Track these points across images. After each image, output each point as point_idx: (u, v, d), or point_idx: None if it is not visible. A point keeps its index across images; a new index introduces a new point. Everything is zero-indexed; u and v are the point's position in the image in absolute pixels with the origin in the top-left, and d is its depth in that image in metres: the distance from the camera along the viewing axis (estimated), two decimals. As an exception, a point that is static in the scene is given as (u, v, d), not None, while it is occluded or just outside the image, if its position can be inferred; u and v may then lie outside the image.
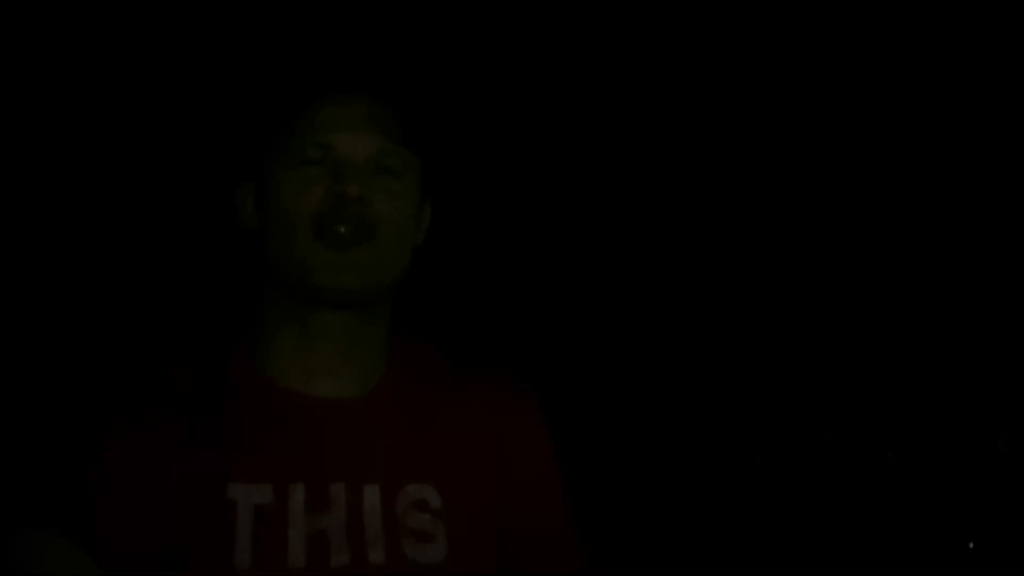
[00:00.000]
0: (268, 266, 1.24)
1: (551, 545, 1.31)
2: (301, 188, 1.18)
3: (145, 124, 2.24)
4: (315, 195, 1.17)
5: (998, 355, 2.94)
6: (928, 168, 2.94)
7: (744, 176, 3.03)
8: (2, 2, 2.19)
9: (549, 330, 2.93)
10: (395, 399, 1.26)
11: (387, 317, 1.29)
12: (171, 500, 1.12)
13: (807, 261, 3.08)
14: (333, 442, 1.19)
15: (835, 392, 3.08)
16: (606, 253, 3.00)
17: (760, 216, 3.05)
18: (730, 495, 2.96)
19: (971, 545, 2.75)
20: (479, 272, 2.79)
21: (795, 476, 3.00)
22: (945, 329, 3.01)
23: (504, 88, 2.68)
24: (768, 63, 2.89)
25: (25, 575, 1.06)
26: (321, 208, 1.17)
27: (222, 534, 1.11)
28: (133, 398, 1.19)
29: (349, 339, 1.23)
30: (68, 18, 2.20)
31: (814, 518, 2.94)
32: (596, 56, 2.76)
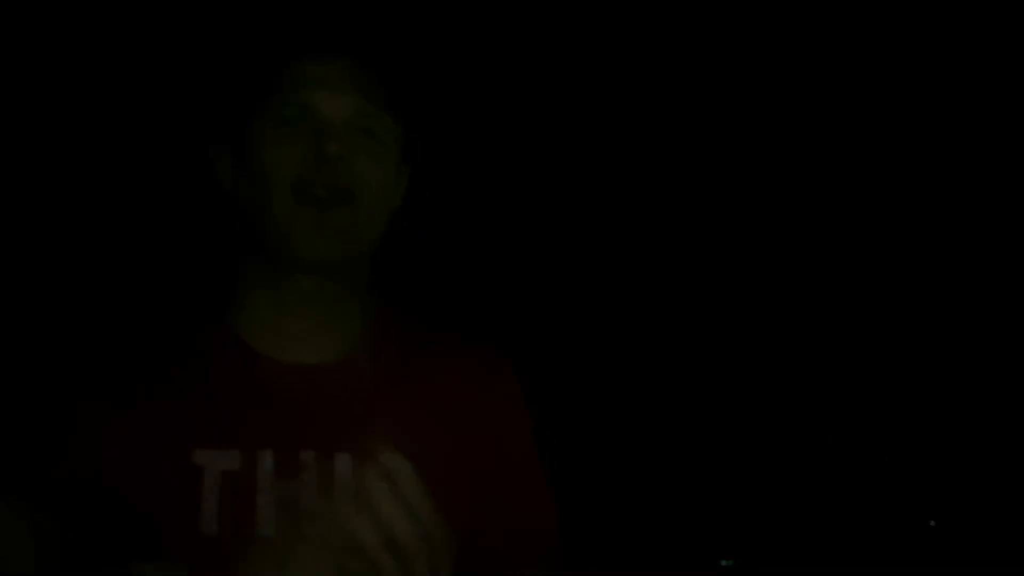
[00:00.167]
0: (244, 228, 1.22)
1: (525, 510, 1.30)
2: (280, 148, 1.16)
3: (117, 84, 2.20)
4: (294, 155, 1.15)
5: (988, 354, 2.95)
6: (927, 168, 2.94)
7: (742, 170, 3.02)
8: None
9: (538, 311, 2.91)
10: (369, 366, 1.23)
11: (363, 283, 1.27)
12: (138, 462, 1.10)
13: (803, 258, 3.08)
14: (304, 409, 1.17)
15: (821, 386, 3.09)
16: (598, 233, 2.98)
17: (758, 208, 3.04)
18: (723, 488, 2.96)
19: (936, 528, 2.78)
20: (468, 252, 2.77)
21: (789, 470, 3.00)
22: (934, 327, 3.02)
23: (491, 58, 2.65)
24: (768, 63, 2.89)
25: None
26: (300, 168, 1.15)
27: (188, 500, 1.08)
28: (103, 359, 1.16)
29: (324, 304, 1.21)
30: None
31: (803, 512, 2.95)
32: (586, 31, 2.74)
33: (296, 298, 1.20)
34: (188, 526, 1.07)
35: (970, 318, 3.00)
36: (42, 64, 2.20)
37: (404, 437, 1.20)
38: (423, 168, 1.37)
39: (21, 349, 1.16)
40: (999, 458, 2.87)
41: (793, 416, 3.04)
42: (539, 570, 1.30)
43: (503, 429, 1.30)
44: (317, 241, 1.14)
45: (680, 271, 3.04)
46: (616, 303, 3.04)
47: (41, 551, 1.05)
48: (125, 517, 1.08)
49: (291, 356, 1.20)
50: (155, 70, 2.19)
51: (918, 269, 2.99)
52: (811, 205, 3.01)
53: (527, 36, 2.71)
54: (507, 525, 1.27)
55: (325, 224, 1.14)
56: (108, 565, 1.08)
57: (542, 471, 1.33)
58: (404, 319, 1.34)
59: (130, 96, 2.18)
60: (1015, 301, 2.91)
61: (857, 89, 2.91)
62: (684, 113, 2.94)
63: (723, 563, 2.82)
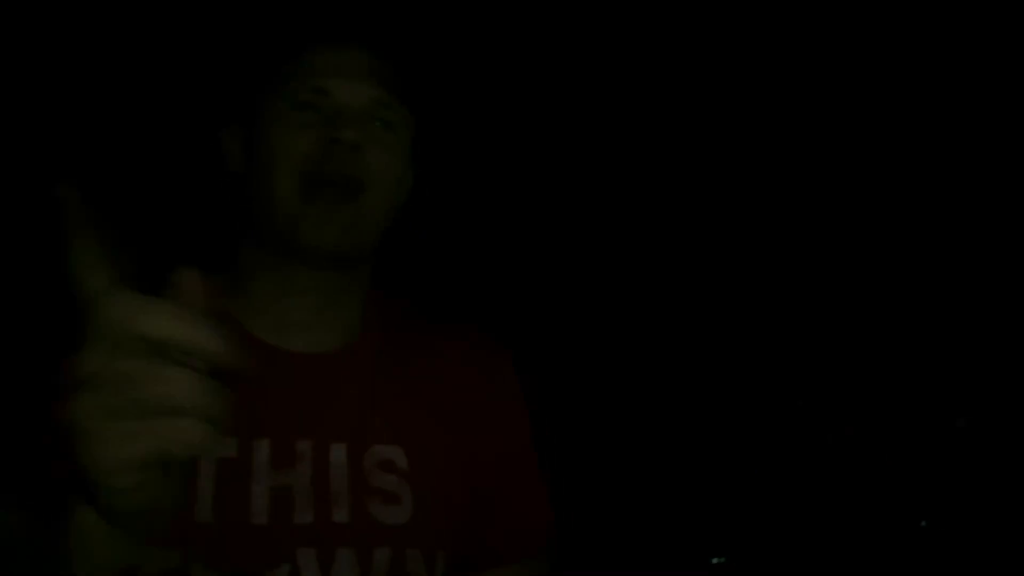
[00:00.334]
0: (250, 212, 1.21)
1: (520, 504, 1.29)
2: (293, 131, 1.15)
3: (129, 63, 2.19)
4: (307, 139, 1.14)
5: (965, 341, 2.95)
6: (927, 168, 2.93)
7: (742, 169, 3.01)
8: None
9: (537, 307, 2.91)
10: (368, 356, 1.23)
11: (367, 274, 1.26)
12: None
13: (803, 258, 3.07)
14: (302, 398, 1.16)
15: (817, 384, 3.08)
16: (598, 230, 2.98)
17: (758, 207, 3.04)
18: (716, 485, 2.95)
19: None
20: (469, 247, 2.76)
21: (783, 468, 3.00)
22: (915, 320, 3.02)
23: (501, 55, 2.64)
24: (768, 63, 2.87)
25: None
26: (312, 152, 1.13)
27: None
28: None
29: (326, 295, 1.21)
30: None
31: (796, 509, 2.95)
32: (585, 31, 2.72)
33: (299, 287, 1.19)
34: (184, 513, 1.07)
35: (968, 317, 3.00)
36: (42, 45, 2.19)
37: (400, 428, 1.20)
38: (430, 163, 1.36)
39: (13, 340, 1.15)
40: (994, 457, 2.86)
41: (787, 414, 3.04)
42: (532, 565, 1.31)
43: (500, 421, 1.30)
44: (324, 231, 1.13)
45: (680, 270, 3.04)
46: (614, 300, 3.03)
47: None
48: None
49: (290, 344, 1.19)
50: (168, 52, 2.18)
51: (918, 269, 2.99)
52: (811, 205, 3.00)
53: (528, 33, 2.70)
54: (501, 519, 1.27)
55: (333, 215, 1.13)
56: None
57: (537, 465, 1.33)
58: (402, 308, 1.33)
59: (141, 80, 2.16)
60: (1014, 301, 2.90)
61: (857, 89, 2.90)
62: (685, 110, 2.93)
63: (714, 560, 2.82)
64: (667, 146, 2.96)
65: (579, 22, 2.71)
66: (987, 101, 2.81)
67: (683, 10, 2.71)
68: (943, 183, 2.91)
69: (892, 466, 2.91)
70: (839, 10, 2.77)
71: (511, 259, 2.87)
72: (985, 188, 2.90)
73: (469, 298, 2.48)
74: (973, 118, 2.84)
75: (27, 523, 0.83)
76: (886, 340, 3.04)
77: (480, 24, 2.53)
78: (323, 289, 1.20)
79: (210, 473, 1.09)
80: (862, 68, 2.87)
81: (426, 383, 1.25)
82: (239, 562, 1.07)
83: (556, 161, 2.88)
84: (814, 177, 2.99)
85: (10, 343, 1.15)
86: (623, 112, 2.88)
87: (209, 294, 1.21)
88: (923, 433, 2.93)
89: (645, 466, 2.90)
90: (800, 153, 2.97)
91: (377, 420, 1.19)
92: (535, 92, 2.79)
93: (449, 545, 1.19)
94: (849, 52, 2.85)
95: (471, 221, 2.70)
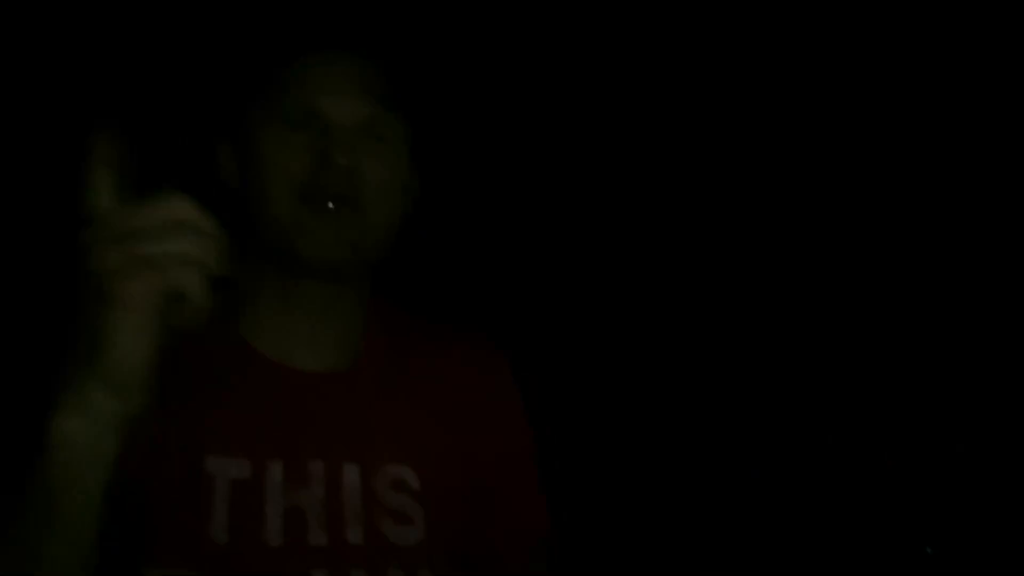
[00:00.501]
0: (248, 229, 1.20)
1: (518, 511, 1.31)
2: (286, 153, 1.13)
3: (118, 73, 2.14)
4: (300, 161, 1.13)
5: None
6: (927, 168, 2.94)
7: (741, 169, 3.01)
8: None
9: (537, 309, 2.91)
10: (374, 371, 1.24)
11: (369, 287, 1.26)
12: (149, 466, 1.08)
13: (808, 260, 3.08)
14: (313, 418, 1.17)
15: (821, 389, 3.10)
16: (597, 232, 2.97)
17: (757, 208, 3.04)
18: (720, 489, 2.97)
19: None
20: (468, 249, 2.75)
21: (788, 473, 3.01)
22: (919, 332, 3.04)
23: (499, 55, 2.61)
24: (769, 63, 2.87)
25: None
26: (306, 176, 1.12)
27: (199, 507, 1.08)
28: None
29: (330, 309, 1.21)
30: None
31: (801, 515, 2.96)
32: (585, 30, 2.71)
33: (301, 301, 1.19)
34: (199, 533, 1.08)
35: (972, 321, 3.02)
36: (39, 53, 2.14)
37: (410, 446, 1.21)
38: (429, 166, 1.35)
39: (28, 353, 1.15)
40: (1000, 465, 2.87)
41: (791, 419, 3.05)
42: (528, 566, 1.33)
43: (502, 428, 1.32)
44: (324, 244, 1.13)
45: (681, 272, 3.04)
46: (614, 301, 3.03)
47: None
48: (135, 522, 1.08)
49: (297, 362, 1.19)
50: (157, 60, 2.14)
51: (921, 271, 3.01)
52: (810, 205, 3.01)
53: (523, 32, 2.68)
54: (499, 521, 1.28)
55: (332, 231, 1.13)
56: (117, 570, 1.08)
57: (537, 474, 1.34)
58: (403, 317, 1.33)
59: (133, 88, 2.12)
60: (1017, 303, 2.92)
61: (857, 89, 2.90)
62: (685, 110, 2.92)
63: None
64: (668, 149, 2.96)
65: (576, 21, 2.69)
66: (988, 102, 2.82)
67: (680, 11, 2.70)
68: (950, 183, 2.92)
69: (897, 492, 2.92)
70: (839, 10, 2.77)
71: (512, 261, 2.86)
72: (992, 189, 2.91)
73: (470, 300, 2.49)
74: (973, 118, 2.85)
75: None
76: (897, 347, 3.05)
77: (475, 25, 2.51)
78: (326, 303, 1.20)
79: (224, 494, 1.09)
80: (862, 68, 2.88)
81: (431, 393, 1.26)
82: None
83: (557, 162, 2.87)
84: (821, 180, 2.99)
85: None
86: (623, 110, 2.87)
87: (217, 309, 1.21)
88: (927, 458, 2.94)
89: (649, 467, 2.91)
90: (806, 155, 2.97)
91: (387, 438, 1.19)
92: (533, 92, 2.77)
93: (460, 564, 1.21)
94: (849, 52, 2.85)
95: (470, 222, 2.68)
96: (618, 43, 2.75)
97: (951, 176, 2.92)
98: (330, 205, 1.12)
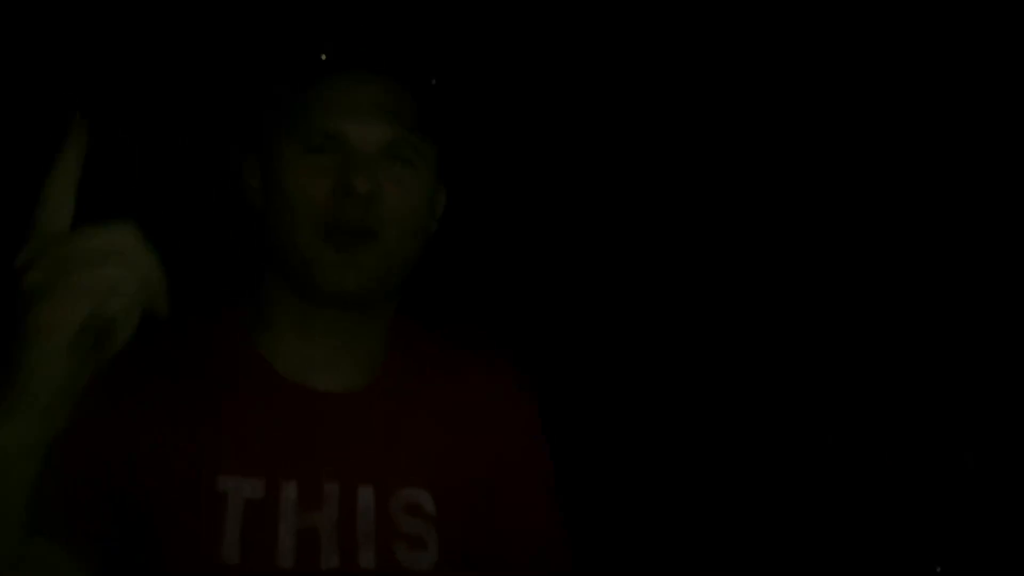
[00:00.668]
0: (270, 251, 1.19)
1: (537, 545, 1.28)
2: (308, 179, 1.12)
3: (149, 88, 2.15)
4: (322, 188, 1.11)
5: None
6: (927, 168, 2.90)
7: (747, 174, 2.98)
8: None
9: (555, 318, 2.89)
10: (393, 392, 1.22)
11: (392, 310, 1.25)
12: (162, 484, 1.08)
13: (815, 268, 3.05)
14: (328, 438, 1.16)
15: (826, 394, 3.06)
16: (602, 238, 2.95)
17: (762, 218, 3.01)
18: (728, 494, 2.94)
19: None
20: (483, 255, 2.74)
21: (791, 476, 2.98)
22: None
23: (520, 69, 2.61)
24: (771, 63, 2.84)
25: None
26: (328, 203, 1.11)
27: (211, 527, 1.07)
28: (129, 376, 1.11)
29: (350, 334, 1.20)
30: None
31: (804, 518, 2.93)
32: (592, 35, 2.69)
33: (321, 327, 1.18)
34: (210, 553, 1.07)
35: (975, 323, 2.97)
36: (72, 60, 2.15)
37: (427, 469, 1.20)
38: (456, 179, 1.34)
39: None
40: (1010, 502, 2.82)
41: (804, 433, 3.01)
42: None
43: (522, 457, 1.30)
44: (342, 278, 1.12)
45: (683, 276, 3.02)
46: (619, 306, 3.01)
47: None
48: (147, 540, 1.08)
49: (316, 382, 1.18)
50: (182, 75, 2.14)
51: (924, 273, 2.96)
52: (819, 215, 2.97)
53: (532, 40, 2.67)
54: (516, 555, 1.26)
55: (352, 260, 1.11)
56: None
57: (555, 502, 1.32)
58: (425, 335, 1.32)
59: (165, 108, 2.13)
60: (981, 315, 2.87)
61: (857, 89, 2.86)
62: (692, 118, 2.90)
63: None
64: (685, 164, 2.93)
65: (573, 29, 2.68)
66: (988, 102, 2.77)
67: (681, 14, 2.68)
68: (950, 183, 2.87)
69: (906, 511, 2.87)
70: (839, 10, 2.74)
71: (520, 267, 2.85)
72: (992, 189, 2.87)
73: (477, 305, 2.48)
74: (973, 118, 2.80)
75: None
76: (904, 352, 3.01)
77: (498, 42, 2.50)
78: (346, 328, 1.19)
79: (237, 514, 1.08)
80: (862, 68, 2.84)
81: (450, 415, 1.25)
82: None
83: (561, 166, 2.86)
84: (828, 185, 2.95)
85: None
86: (627, 121, 2.85)
87: (236, 326, 1.21)
88: (935, 476, 2.89)
89: (654, 471, 2.89)
90: (814, 163, 2.93)
91: (404, 461, 1.18)
92: (536, 95, 2.76)
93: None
94: (849, 52, 2.82)
95: (478, 228, 2.67)
96: (636, 58, 2.73)
97: (961, 179, 2.86)
98: (346, 232, 1.11)
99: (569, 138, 2.83)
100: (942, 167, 2.87)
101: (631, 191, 2.93)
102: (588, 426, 2.77)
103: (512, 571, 1.26)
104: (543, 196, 2.85)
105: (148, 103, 2.12)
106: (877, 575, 2.69)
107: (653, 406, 2.94)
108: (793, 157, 2.93)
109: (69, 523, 1.02)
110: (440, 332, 1.35)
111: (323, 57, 1.19)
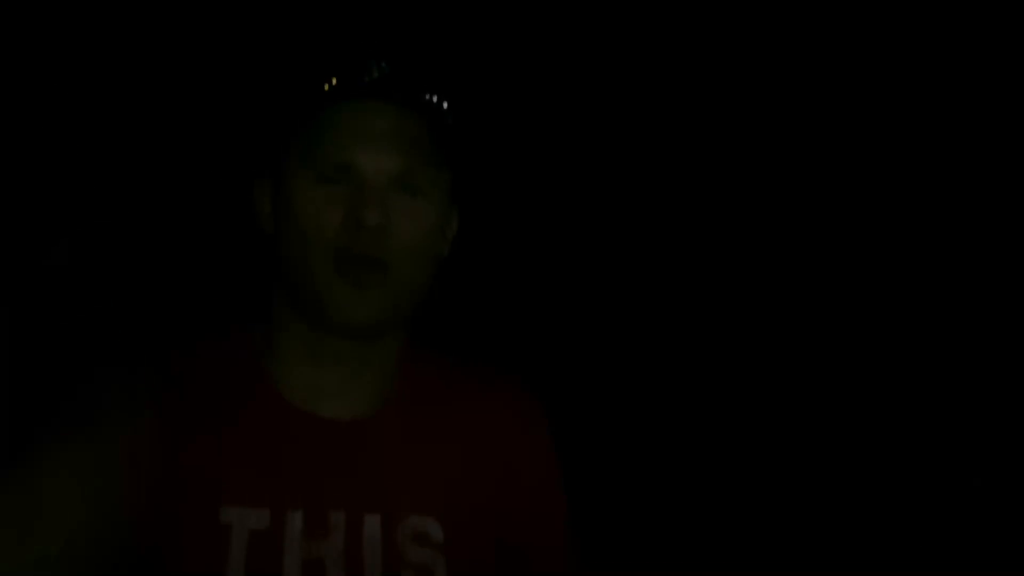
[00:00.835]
0: (281, 277, 1.18)
1: (549, 572, 1.27)
2: (319, 210, 1.11)
3: (159, 111, 2.17)
4: (333, 220, 1.10)
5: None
6: (927, 168, 2.87)
7: (751, 179, 2.97)
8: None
9: (561, 332, 2.88)
10: (402, 421, 1.21)
11: (402, 337, 1.24)
12: (165, 515, 1.08)
13: (818, 271, 3.03)
14: (335, 466, 1.15)
15: (828, 394, 3.04)
16: (620, 254, 2.95)
17: (763, 222, 2.99)
18: (734, 501, 2.92)
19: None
20: (488, 271, 2.74)
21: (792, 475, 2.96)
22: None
23: (531, 89, 2.61)
24: (773, 64, 2.83)
25: None
26: (340, 234, 1.10)
27: (215, 559, 1.06)
28: (130, 383, 1.13)
29: (360, 362, 1.19)
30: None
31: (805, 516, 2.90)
32: (596, 42, 2.69)
33: (330, 356, 1.17)
34: None
35: (976, 323, 2.94)
36: (87, 90, 2.17)
37: (435, 497, 1.18)
38: (469, 203, 1.33)
39: (48, 396, 1.14)
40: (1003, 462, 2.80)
41: (811, 448, 2.99)
42: None
43: (533, 485, 1.28)
44: (353, 310, 1.11)
45: (684, 280, 3.00)
46: (621, 312, 3.00)
47: None
48: (152, 571, 1.07)
49: (323, 410, 1.17)
50: (196, 99, 2.16)
51: (925, 273, 2.93)
52: (820, 216, 2.95)
53: (536, 47, 2.67)
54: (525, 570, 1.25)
55: (363, 300, 1.10)
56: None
57: (566, 531, 1.31)
58: (435, 362, 1.30)
59: (175, 126, 2.14)
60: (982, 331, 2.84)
61: (857, 89, 2.85)
62: (698, 124, 2.89)
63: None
64: (680, 164, 2.93)
65: (579, 36, 2.68)
66: (987, 101, 2.75)
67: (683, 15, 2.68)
68: (950, 183, 2.84)
69: (912, 527, 2.84)
70: (839, 10, 2.73)
71: (522, 276, 2.85)
72: (992, 189, 2.84)
73: (479, 318, 2.46)
74: (973, 118, 2.78)
75: None
76: (905, 352, 2.98)
77: (510, 67, 2.50)
78: (355, 357, 1.18)
79: (242, 545, 1.07)
80: (862, 69, 2.83)
81: (460, 448, 1.23)
82: None
83: (564, 173, 2.85)
84: (829, 186, 2.93)
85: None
86: (632, 128, 2.85)
87: (246, 350, 1.20)
88: (940, 493, 2.86)
89: (655, 472, 2.87)
90: (816, 165, 2.92)
91: (411, 488, 1.17)
92: (540, 103, 2.75)
93: None
94: (849, 52, 2.80)
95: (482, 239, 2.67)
96: (642, 83, 2.73)
97: (966, 179, 2.84)
98: (355, 264, 1.10)
99: (581, 159, 2.83)
100: (954, 171, 2.85)
101: (635, 208, 2.92)
102: (598, 446, 2.75)
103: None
104: (550, 214, 2.84)
105: (165, 124, 2.13)
106: (876, 575, 2.67)
107: (664, 427, 2.93)
108: (795, 162, 2.92)
109: (73, 551, 1.01)
110: (449, 358, 1.34)
111: (335, 84, 1.18)
